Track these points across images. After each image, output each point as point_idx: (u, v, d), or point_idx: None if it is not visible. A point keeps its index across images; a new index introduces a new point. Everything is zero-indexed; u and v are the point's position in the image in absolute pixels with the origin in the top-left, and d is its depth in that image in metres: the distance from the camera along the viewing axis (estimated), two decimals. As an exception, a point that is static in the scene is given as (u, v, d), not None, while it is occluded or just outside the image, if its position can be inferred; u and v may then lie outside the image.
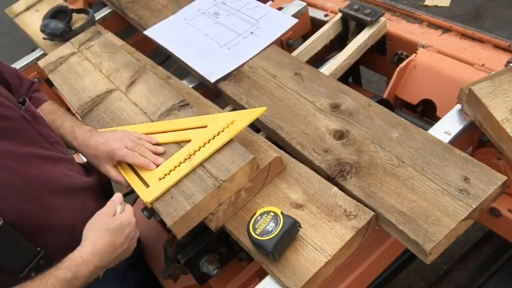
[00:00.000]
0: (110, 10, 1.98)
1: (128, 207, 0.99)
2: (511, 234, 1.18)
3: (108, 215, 0.96)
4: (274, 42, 1.46)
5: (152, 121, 1.25)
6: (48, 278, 0.86)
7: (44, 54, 1.78)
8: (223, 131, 1.08)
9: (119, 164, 1.13)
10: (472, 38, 1.37)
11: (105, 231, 0.92)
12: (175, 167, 1.05)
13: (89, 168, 1.22)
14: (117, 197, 1.01)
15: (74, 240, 0.92)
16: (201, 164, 1.04)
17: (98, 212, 0.97)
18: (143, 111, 1.29)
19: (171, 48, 1.57)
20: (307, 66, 1.35)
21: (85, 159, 1.41)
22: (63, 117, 1.22)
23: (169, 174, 1.05)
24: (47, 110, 1.24)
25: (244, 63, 1.41)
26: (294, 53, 1.48)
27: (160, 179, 1.04)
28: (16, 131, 1.01)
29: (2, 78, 1.17)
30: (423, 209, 0.92)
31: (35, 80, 1.87)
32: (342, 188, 1.01)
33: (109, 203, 1.00)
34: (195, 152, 1.06)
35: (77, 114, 1.43)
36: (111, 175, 1.10)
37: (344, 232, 0.93)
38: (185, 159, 1.06)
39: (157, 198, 1.02)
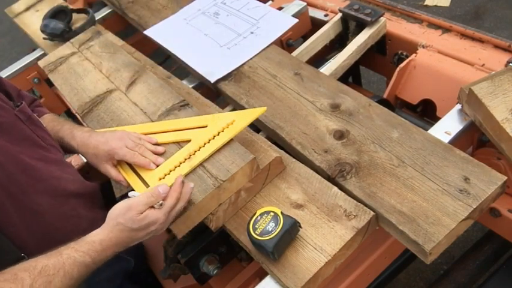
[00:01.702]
0: (110, 10, 1.98)
1: (167, 204, 0.90)
2: (511, 234, 1.18)
3: (139, 211, 0.88)
4: (274, 42, 1.46)
5: (152, 121, 1.25)
6: (66, 259, 0.84)
7: (44, 54, 1.78)
8: (223, 131, 1.08)
9: (119, 163, 1.13)
10: (472, 38, 1.37)
11: (126, 227, 0.88)
12: (175, 167, 1.05)
13: (88, 176, 1.21)
14: (162, 189, 0.90)
15: (57, 245, 0.89)
16: (201, 164, 1.04)
17: (130, 202, 0.89)
18: (143, 111, 1.29)
19: (171, 48, 1.57)
20: (307, 66, 1.35)
21: (85, 160, 1.42)
22: (62, 122, 1.23)
23: (169, 174, 1.05)
24: (48, 119, 1.25)
25: (244, 63, 1.41)
26: (294, 53, 1.48)
27: (160, 179, 1.04)
28: (8, 128, 1.01)
29: (2, 89, 1.17)
30: (423, 209, 0.92)
31: (35, 80, 1.87)
32: (342, 188, 1.01)
33: (149, 193, 0.90)
34: (195, 152, 1.06)
35: (77, 114, 1.43)
36: (111, 175, 1.10)
37: (344, 232, 0.93)
38: (185, 159, 1.06)
39: None
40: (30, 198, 0.99)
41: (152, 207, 0.90)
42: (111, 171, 1.10)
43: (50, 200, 1.02)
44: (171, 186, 0.94)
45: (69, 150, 1.19)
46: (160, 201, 0.90)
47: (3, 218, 0.94)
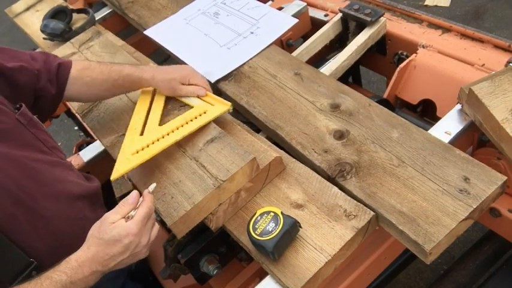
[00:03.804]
0: (109, 10, 1.98)
1: (139, 213, 0.88)
2: (511, 234, 1.18)
3: (111, 221, 0.87)
4: (274, 42, 1.46)
5: None
6: (44, 280, 0.84)
7: (44, 54, 1.78)
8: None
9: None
10: (472, 38, 1.37)
11: (100, 239, 0.86)
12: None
13: (89, 175, 1.21)
14: (132, 197, 0.90)
15: (66, 250, 0.89)
16: (196, 160, 1.06)
17: (104, 216, 0.90)
18: (143, 111, 1.29)
19: (171, 48, 1.57)
20: (307, 66, 1.35)
21: (85, 160, 1.42)
22: (117, 63, 1.28)
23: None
24: (95, 64, 1.24)
25: (244, 63, 1.41)
26: (294, 53, 1.48)
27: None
28: (11, 133, 1.00)
29: (13, 83, 1.11)
30: (423, 209, 0.92)
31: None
32: (342, 188, 1.01)
33: (119, 204, 0.90)
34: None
35: (77, 114, 1.43)
36: (189, 90, 1.22)
37: (344, 232, 0.93)
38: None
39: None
40: (38, 204, 0.98)
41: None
42: (190, 88, 1.22)
43: (57, 204, 1.02)
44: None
45: (134, 86, 1.24)
46: (132, 212, 0.88)
47: (13, 225, 0.93)
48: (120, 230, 0.86)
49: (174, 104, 1.26)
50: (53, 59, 1.23)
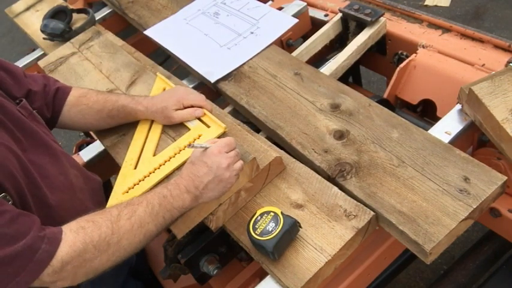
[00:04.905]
0: (109, 10, 1.98)
1: (221, 140, 0.99)
2: (511, 234, 1.18)
3: (198, 150, 0.99)
4: (274, 42, 1.46)
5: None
6: (148, 193, 0.96)
7: (44, 54, 1.78)
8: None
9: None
10: (472, 38, 1.37)
11: (190, 163, 0.98)
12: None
13: (90, 171, 1.21)
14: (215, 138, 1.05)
15: None
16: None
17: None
18: (143, 111, 1.29)
19: (171, 48, 1.57)
20: (307, 66, 1.35)
21: (85, 160, 1.43)
22: (113, 93, 1.30)
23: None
24: (93, 92, 1.25)
25: (244, 63, 1.41)
26: (294, 53, 1.48)
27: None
28: (13, 124, 1.01)
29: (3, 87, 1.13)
30: (423, 209, 0.92)
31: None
32: (342, 188, 1.01)
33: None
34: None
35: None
36: (189, 112, 1.19)
37: (344, 232, 0.93)
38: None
39: None
40: (44, 194, 0.99)
41: None
42: (185, 112, 1.19)
43: (62, 195, 1.03)
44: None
45: (130, 117, 1.23)
46: (206, 144, 0.98)
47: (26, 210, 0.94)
48: (203, 153, 0.97)
49: (172, 125, 1.24)
50: (53, 83, 1.24)
